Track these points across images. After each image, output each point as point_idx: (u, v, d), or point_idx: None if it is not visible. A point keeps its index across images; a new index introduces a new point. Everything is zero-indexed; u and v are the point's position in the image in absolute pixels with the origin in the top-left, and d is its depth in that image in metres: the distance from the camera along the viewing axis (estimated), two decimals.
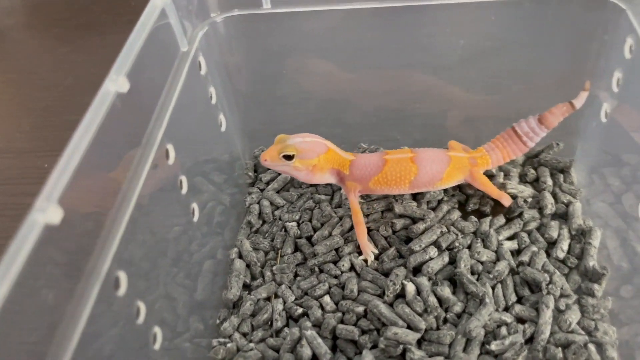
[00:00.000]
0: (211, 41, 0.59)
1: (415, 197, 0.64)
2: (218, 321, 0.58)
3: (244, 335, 0.56)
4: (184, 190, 0.53)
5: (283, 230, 0.64)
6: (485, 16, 0.60)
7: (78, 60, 0.95)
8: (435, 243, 0.58)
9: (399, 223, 0.61)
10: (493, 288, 0.55)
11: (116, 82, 0.42)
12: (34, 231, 0.32)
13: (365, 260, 0.59)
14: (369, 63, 0.68)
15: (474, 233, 0.61)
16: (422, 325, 0.51)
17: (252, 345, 0.54)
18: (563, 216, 0.61)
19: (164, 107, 0.49)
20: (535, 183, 0.65)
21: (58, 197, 0.34)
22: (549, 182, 0.64)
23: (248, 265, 0.61)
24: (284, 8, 0.61)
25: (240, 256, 0.62)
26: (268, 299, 0.59)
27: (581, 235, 0.59)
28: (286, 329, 0.55)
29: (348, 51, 0.67)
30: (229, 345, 0.55)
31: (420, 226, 0.60)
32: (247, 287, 0.60)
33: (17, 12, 1.13)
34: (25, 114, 0.87)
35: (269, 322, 0.56)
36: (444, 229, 0.59)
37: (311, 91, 0.69)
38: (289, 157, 0.55)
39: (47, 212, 0.33)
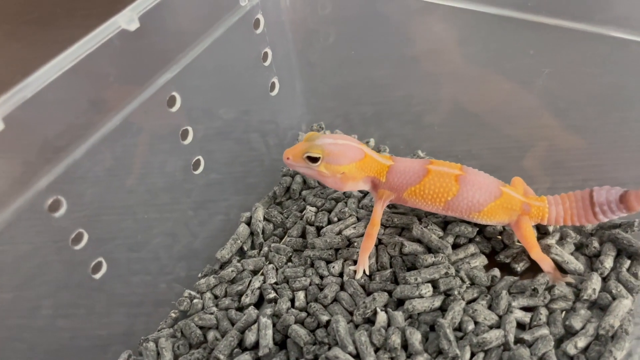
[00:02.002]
0: (281, 5, 0.57)
1: (447, 226, 0.57)
2: (200, 275, 0.59)
3: (215, 297, 0.56)
4: (188, 139, 0.53)
5: (300, 211, 0.62)
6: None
7: (30, 57, 0.86)
8: (434, 282, 0.52)
9: (410, 247, 0.55)
10: (473, 355, 0.48)
11: (124, 17, 0.42)
12: None
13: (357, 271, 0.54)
14: (456, 67, 0.61)
15: (488, 288, 0.53)
16: None
17: (214, 309, 0.55)
18: (603, 308, 0.50)
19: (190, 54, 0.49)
20: (594, 259, 0.54)
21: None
22: (608, 264, 0.52)
23: (252, 233, 0.61)
24: None
25: (248, 222, 0.62)
26: (254, 272, 0.58)
27: (610, 339, 0.48)
28: (250, 308, 0.54)
29: (434, 48, 0.61)
30: (195, 300, 0.56)
31: (429, 259, 0.53)
32: (243, 252, 0.60)
33: None
34: None
35: (241, 295, 0.56)
36: (451, 271, 0.52)
37: (383, 83, 0.64)
38: (313, 160, 0.50)
39: None
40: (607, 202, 0.49)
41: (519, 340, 0.49)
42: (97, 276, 0.49)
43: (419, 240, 0.56)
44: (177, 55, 0.48)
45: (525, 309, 0.51)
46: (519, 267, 0.54)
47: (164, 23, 0.46)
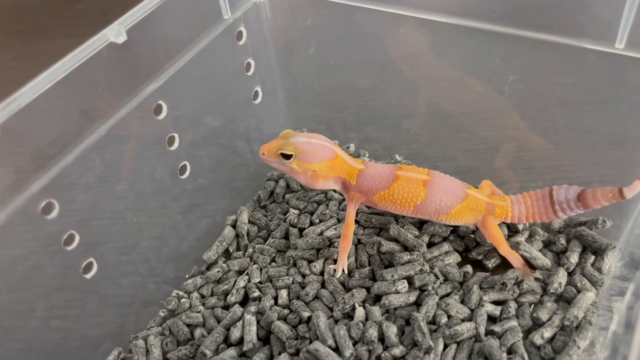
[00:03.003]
0: (262, 17, 0.60)
1: (422, 225, 0.60)
2: (187, 275, 0.61)
3: (202, 296, 0.59)
4: (174, 145, 0.56)
5: (284, 214, 0.64)
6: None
7: (22, 66, 0.86)
8: (410, 278, 0.55)
9: (387, 246, 0.58)
10: (446, 346, 0.51)
11: (112, 31, 0.45)
12: None
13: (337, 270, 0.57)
14: (430, 73, 0.64)
15: (461, 283, 0.56)
16: (348, 353, 0.49)
17: (201, 308, 0.57)
18: (569, 301, 0.53)
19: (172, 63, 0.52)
20: (561, 255, 0.57)
21: None
22: (574, 260, 0.55)
23: (237, 235, 0.63)
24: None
25: (234, 225, 0.64)
26: (240, 272, 0.60)
27: (574, 329, 0.51)
28: (235, 306, 0.56)
29: (409, 56, 0.64)
30: (183, 300, 0.58)
31: (405, 257, 0.56)
32: (228, 254, 0.63)
33: None
34: None
35: (227, 294, 0.58)
36: (426, 267, 0.55)
37: (362, 90, 0.67)
38: (286, 156, 0.52)
39: None
40: (565, 200, 0.52)
41: (489, 332, 0.52)
42: (88, 276, 0.51)
43: (395, 240, 0.59)
44: (164, 66, 0.50)
45: (496, 302, 0.54)
46: (490, 263, 0.57)
47: (150, 35, 0.48)
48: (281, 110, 0.70)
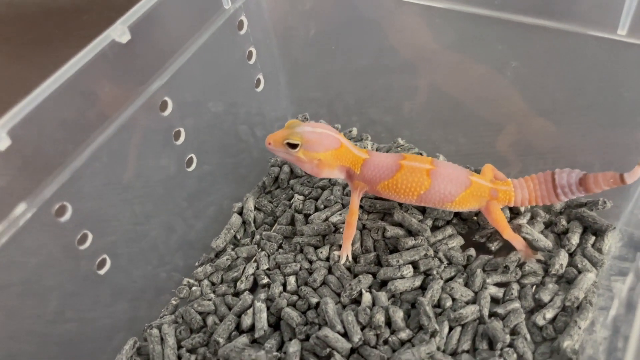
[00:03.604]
0: (262, 5, 0.60)
1: (426, 209, 0.61)
2: (197, 264, 0.62)
3: (213, 284, 0.60)
4: (181, 140, 0.56)
5: (289, 199, 0.65)
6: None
7: (31, 77, 0.82)
8: (415, 263, 0.56)
9: (392, 231, 0.59)
10: (451, 329, 0.53)
11: (116, 31, 0.45)
12: None
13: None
14: (431, 56, 0.64)
15: (465, 267, 0.57)
16: (356, 338, 0.51)
17: (212, 296, 0.58)
18: (570, 282, 0.55)
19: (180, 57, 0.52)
20: (562, 236, 0.59)
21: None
22: (574, 241, 0.57)
23: (244, 222, 0.64)
24: None
25: (240, 212, 0.65)
26: (248, 259, 0.62)
27: (575, 310, 0.52)
28: (245, 293, 0.58)
29: (410, 41, 0.64)
30: (194, 288, 0.60)
31: (409, 242, 0.57)
32: (236, 241, 0.64)
33: None
34: None
35: (236, 281, 0.60)
36: (430, 252, 0.56)
37: (363, 73, 0.67)
38: (292, 146, 0.53)
39: None
40: (567, 184, 0.53)
41: (492, 314, 0.53)
42: (102, 272, 0.52)
43: (400, 224, 0.60)
44: (167, 62, 0.51)
45: (499, 284, 0.56)
46: (493, 246, 0.59)
47: (153, 32, 0.48)
48: (283, 95, 0.70)
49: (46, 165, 0.42)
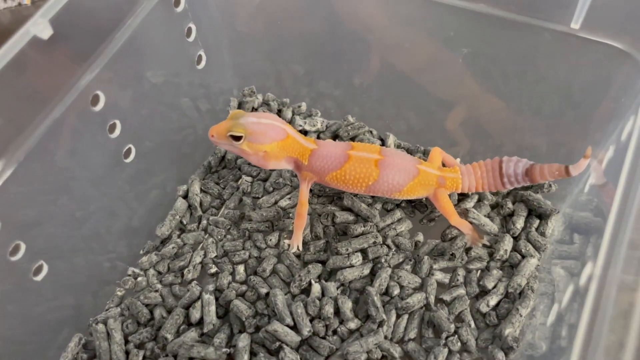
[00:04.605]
0: None
1: None
2: (142, 252, 0.61)
3: (159, 273, 0.59)
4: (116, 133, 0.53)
5: (237, 180, 0.64)
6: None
7: None
8: (364, 251, 0.56)
9: (341, 217, 0.58)
10: (399, 316, 0.54)
11: (36, 26, 0.41)
12: None
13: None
14: (382, 28, 0.61)
15: (413, 252, 0.58)
16: (306, 331, 0.51)
17: (158, 286, 0.57)
18: (514, 266, 0.56)
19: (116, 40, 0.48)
20: (508, 218, 0.59)
21: None
22: (519, 224, 0.58)
23: (190, 207, 0.62)
24: None
25: (185, 196, 0.63)
26: (195, 246, 0.60)
27: (517, 296, 0.54)
28: (193, 284, 0.57)
29: (360, 14, 0.60)
30: (139, 278, 0.58)
31: (359, 228, 0.57)
32: (183, 226, 0.62)
33: None
34: None
35: (183, 270, 0.59)
36: (379, 239, 0.56)
37: (312, 40, 0.64)
38: (236, 138, 0.51)
39: None
40: (514, 174, 0.54)
41: (439, 300, 0.55)
42: (39, 278, 0.50)
43: (349, 209, 0.59)
44: (96, 53, 0.46)
45: (445, 270, 0.57)
46: (442, 230, 0.59)
47: (77, 22, 0.44)
48: (228, 67, 0.67)
49: None
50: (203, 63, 0.61)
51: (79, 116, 0.46)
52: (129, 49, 0.49)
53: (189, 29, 0.57)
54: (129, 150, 0.56)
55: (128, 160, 0.56)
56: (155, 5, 0.51)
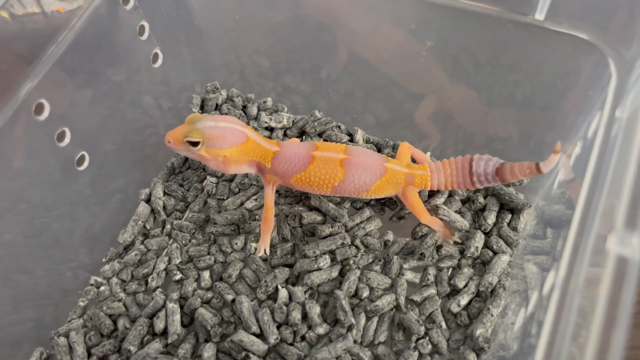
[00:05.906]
0: None
1: None
2: (104, 259, 0.59)
3: (122, 281, 0.57)
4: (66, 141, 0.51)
5: (201, 181, 0.62)
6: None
7: None
8: (332, 253, 0.55)
9: (308, 217, 0.57)
10: (368, 319, 0.52)
11: None
12: None
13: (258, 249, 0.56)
14: (348, 20, 0.59)
15: (382, 252, 0.56)
16: (272, 339, 0.50)
17: (122, 295, 0.55)
18: (486, 263, 0.55)
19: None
20: (479, 213, 0.58)
21: None
22: (491, 220, 0.56)
23: (153, 211, 0.60)
24: None
25: (148, 200, 0.61)
26: (159, 252, 0.58)
27: (489, 295, 0.53)
28: (157, 292, 0.55)
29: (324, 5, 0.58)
30: (102, 288, 0.56)
31: (326, 229, 0.55)
32: (146, 231, 0.60)
33: None
34: None
35: (147, 278, 0.57)
36: (347, 240, 0.55)
37: (277, 32, 0.61)
38: (194, 144, 0.49)
39: None
40: (484, 173, 0.52)
41: (409, 302, 0.53)
42: None
43: (317, 209, 0.58)
44: (36, 60, 0.44)
45: (415, 269, 0.55)
46: (411, 226, 0.58)
47: (14, 24, 0.41)
48: (188, 64, 0.64)
49: None
50: (160, 61, 0.59)
51: (22, 128, 0.44)
52: (75, 52, 0.46)
53: (142, 27, 0.55)
54: (82, 157, 0.53)
55: (81, 168, 0.54)
56: (100, 4, 0.48)
